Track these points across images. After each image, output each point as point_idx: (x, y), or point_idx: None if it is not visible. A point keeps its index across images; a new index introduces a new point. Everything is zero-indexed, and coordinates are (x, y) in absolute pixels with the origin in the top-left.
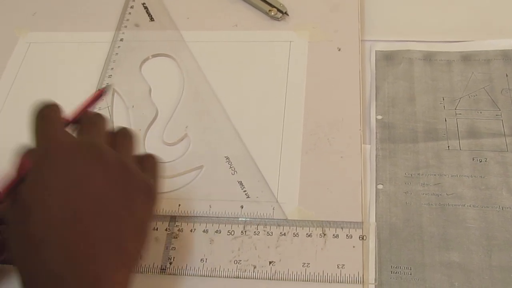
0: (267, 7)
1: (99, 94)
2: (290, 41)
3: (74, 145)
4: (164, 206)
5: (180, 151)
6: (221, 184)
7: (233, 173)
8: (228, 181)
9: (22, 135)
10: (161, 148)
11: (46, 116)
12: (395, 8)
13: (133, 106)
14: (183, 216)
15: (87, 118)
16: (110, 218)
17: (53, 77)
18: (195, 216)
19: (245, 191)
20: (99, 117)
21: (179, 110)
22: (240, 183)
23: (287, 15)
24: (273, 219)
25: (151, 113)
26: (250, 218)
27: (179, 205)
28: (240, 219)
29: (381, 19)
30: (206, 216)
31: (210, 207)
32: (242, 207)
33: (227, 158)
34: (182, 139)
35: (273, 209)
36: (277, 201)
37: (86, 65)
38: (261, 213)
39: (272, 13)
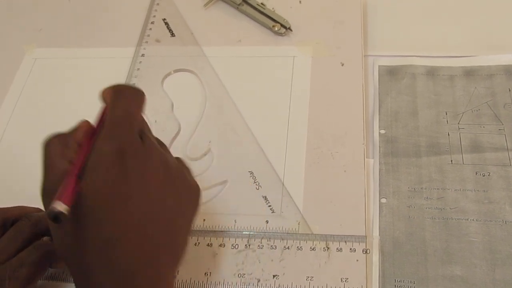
0: (270, 23)
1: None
2: (294, 57)
3: (145, 150)
4: None
5: (204, 166)
6: (245, 199)
7: (257, 188)
8: (253, 196)
9: (28, 149)
10: None
11: (129, 111)
12: (398, 24)
13: (155, 121)
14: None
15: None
16: (168, 220)
17: (61, 92)
18: (199, 230)
19: (270, 206)
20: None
21: (202, 125)
22: (265, 198)
23: (291, 30)
24: (294, 234)
25: (174, 128)
26: (275, 233)
27: (204, 220)
28: (244, 232)
29: (384, 35)
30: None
31: (235, 222)
32: (267, 222)
33: (251, 173)
34: (205, 154)
35: (299, 224)
36: (302, 216)
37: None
38: (286, 228)
39: (276, 29)
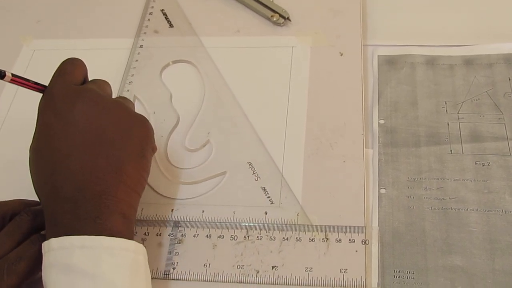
0: (269, 13)
1: None
2: (292, 47)
3: (74, 91)
4: (188, 212)
5: (203, 157)
6: (244, 190)
7: (256, 179)
8: (252, 187)
9: (26, 142)
10: (183, 155)
11: (63, 69)
12: (397, 13)
13: (154, 113)
14: (186, 221)
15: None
16: (110, 147)
17: None
18: (198, 221)
19: (268, 197)
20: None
21: (201, 116)
22: (264, 189)
23: (289, 20)
24: (293, 225)
25: (173, 120)
26: (274, 224)
27: (203, 211)
28: (243, 224)
29: (383, 24)
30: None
31: (234, 213)
32: (266, 213)
33: (250, 164)
34: (204, 145)
35: (298, 215)
36: (301, 207)
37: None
38: (285, 219)
39: (274, 19)
